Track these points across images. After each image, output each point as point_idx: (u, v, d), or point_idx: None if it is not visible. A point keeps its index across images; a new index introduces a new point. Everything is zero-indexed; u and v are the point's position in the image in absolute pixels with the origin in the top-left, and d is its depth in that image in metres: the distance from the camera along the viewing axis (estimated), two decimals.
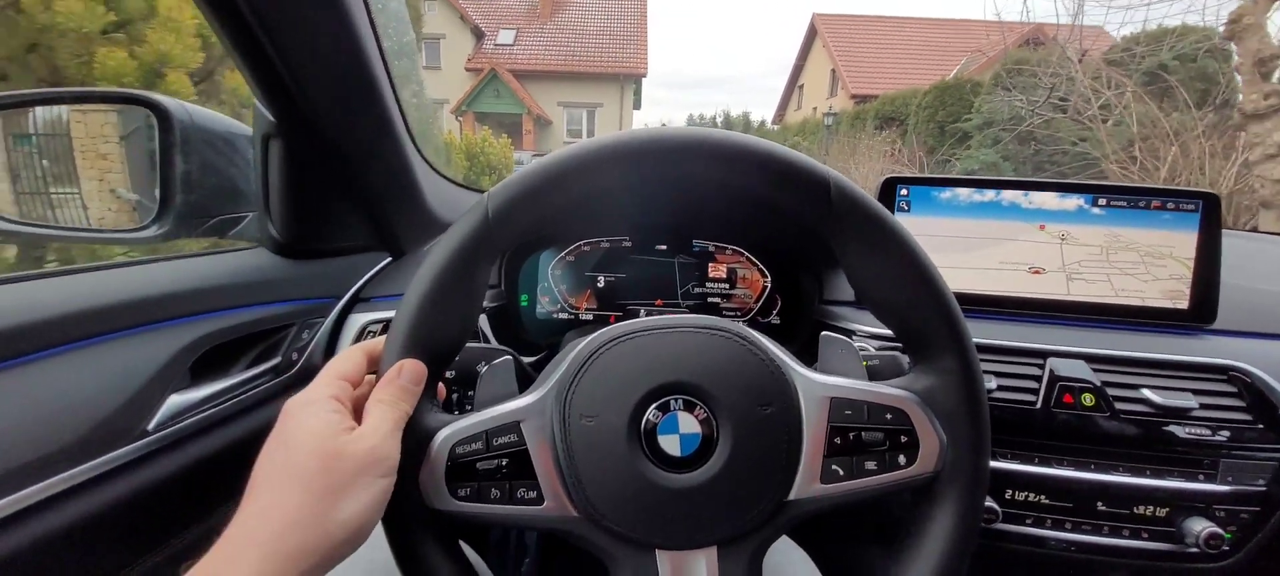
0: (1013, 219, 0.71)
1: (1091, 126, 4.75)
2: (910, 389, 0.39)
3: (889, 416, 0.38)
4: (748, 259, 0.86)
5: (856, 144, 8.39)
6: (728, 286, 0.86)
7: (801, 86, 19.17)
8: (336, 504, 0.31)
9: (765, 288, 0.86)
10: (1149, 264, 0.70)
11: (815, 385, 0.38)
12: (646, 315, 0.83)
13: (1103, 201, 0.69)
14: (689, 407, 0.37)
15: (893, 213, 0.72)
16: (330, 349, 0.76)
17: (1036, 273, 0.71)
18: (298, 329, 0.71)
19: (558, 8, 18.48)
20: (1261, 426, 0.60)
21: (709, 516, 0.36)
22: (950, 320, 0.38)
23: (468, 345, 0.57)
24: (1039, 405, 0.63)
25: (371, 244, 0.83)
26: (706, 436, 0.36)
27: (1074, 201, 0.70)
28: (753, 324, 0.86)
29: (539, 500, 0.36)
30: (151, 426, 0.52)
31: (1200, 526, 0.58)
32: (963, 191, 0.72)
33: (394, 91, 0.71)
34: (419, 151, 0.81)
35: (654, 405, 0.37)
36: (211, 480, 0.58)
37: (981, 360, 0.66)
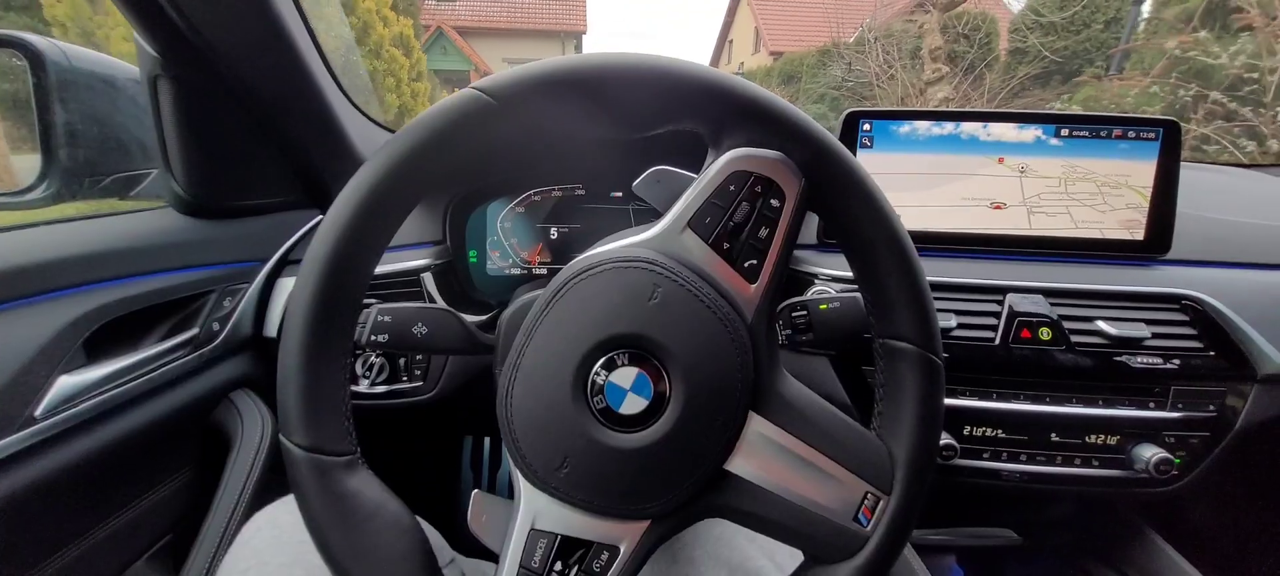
0: (972, 153, 0.69)
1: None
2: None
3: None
4: None
5: None
6: None
7: (731, 42, 20.24)
8: None
9: None
10: (1105, 193, 0.69)
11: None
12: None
13: (1064, 132, 0.67)
14: (637, 361, 0.33)
15: (856, 148, 0.70)
16: (259, 317, 0.70)
17: (998, 208, 0.69)
18: (217, 296, 0.65)
19: None
20: (1212, 353, 0.60)
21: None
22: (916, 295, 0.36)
23: (402, 305, 0.53)
24: (998, 341, 0.62)
25: (300, 200, 0.76)
26: (658, 392, 0.33)
27: (1032, 132, 0.68)
28: None
29: None
30: (39, 412, 0.46)
31: (1150, 452, 0.59)
32: (921, 125, 0.69)
33: (306, 23, 0.63)
34: (344, 92, 0.73)
35: (598, 363, 0.33)
36: (114, 474, 0.52)
37: (942, 298, 0.66)
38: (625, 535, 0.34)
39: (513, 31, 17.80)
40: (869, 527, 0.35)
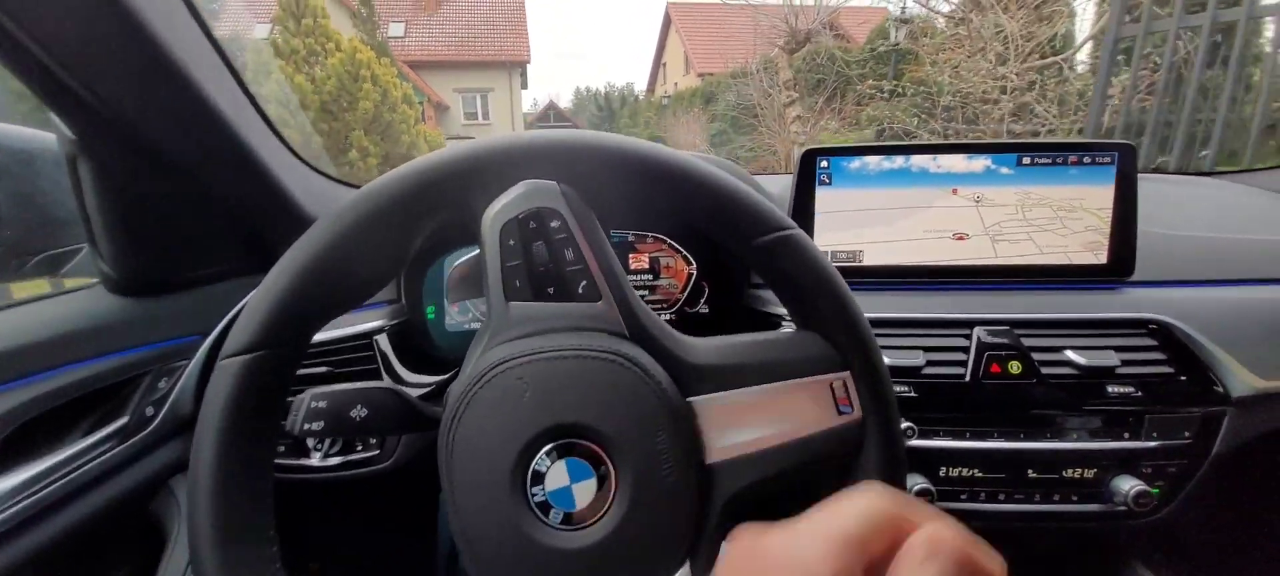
0: (926, 185, 0.68)
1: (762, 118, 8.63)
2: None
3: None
4: (671, 246, 0.80)
5: (678, 120, 11.71)
6: (651, 277, 0.80)
7: (665, 64, 22.19)
8: None
9: (691, 275, 0.81)
10: (1064, 217, 0.68)
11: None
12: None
13: (1026, 160, 0.67)
14: (563, 453, 0.32)
15: (815, 186, 0.69)
16: (201, 395, 0.66)
17: (960, 238, 0.68)
18: (152, 378, 0.61)
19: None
20: (1184, 378, 0.59)
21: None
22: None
23: (339, 389, 0.50)
24: (968, 377, 0.61)
25: (243, 266, 0.72)
26: (600, 471, 0.32)
27: (982, 162, 0.67)
28: (681, 315, 0.81)
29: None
30: None
31: (1128, 485, 0.58)
32: (872, 160, 0.68)
33: (239, 80, 0.60)
34: (286, 144, 0.70)
35: (541, 452, 0.32)
36: None
37: (910, 335, 0.64)
38: None
39: (460, 63, 18.89)
40: (854, 410, 0.35)
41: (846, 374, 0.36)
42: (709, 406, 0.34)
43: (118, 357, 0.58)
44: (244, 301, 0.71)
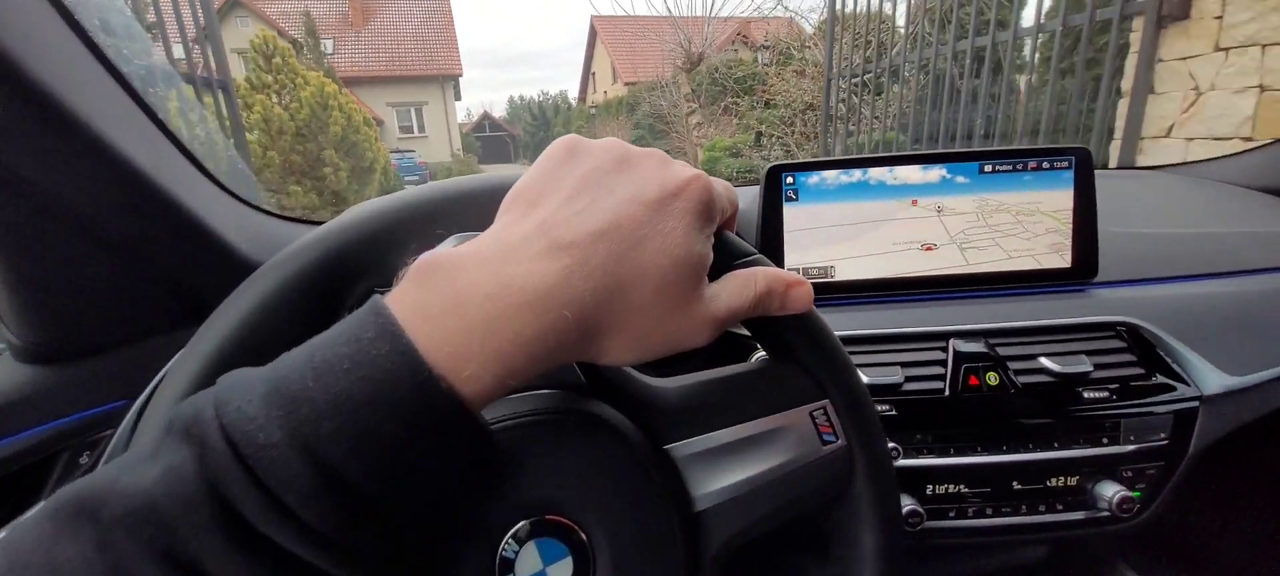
0: (886, 198, 0.67)
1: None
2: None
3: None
4: None
5: (605, 126, 13.19)
6: None
7: (594, 73, 23.71)
8: (649, 332, 0.25)
9: None
10: (1023, 221, 0.68)
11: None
12: None
13: (987, 167, 0.67)
14: (550, 529, 0.28)
15: (782, 202, 0.68)
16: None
17: (929, 249, 0.67)
18: (71, 455, 0.55)
19: (368, 15, 20.73)
20: (1153, 379, 0.59)
21: None
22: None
23: None
24: (948, 391, 0.60)
25: (172, 320, 0.66)
26: (574, 541, 0.29)
27: (937, 172, 0.67)
28: None
29: None
30: None
31: (1110, 491, 0.57)
32: (830, 175, 0.67)
33: (154, 117, 0.55)
34: (214, 180, 0.65)
35: (506, 537, 0.28)
36: None
37: (887, 350, 0.63)
38: None
39: (391, 78, 19.54)
40: (839, 438, 0.33)
41: (824, 402, 0.33)
42: (687, 451, 0.32)
43: (27, 436, 0.52)
44: (171, 363, 0.65)
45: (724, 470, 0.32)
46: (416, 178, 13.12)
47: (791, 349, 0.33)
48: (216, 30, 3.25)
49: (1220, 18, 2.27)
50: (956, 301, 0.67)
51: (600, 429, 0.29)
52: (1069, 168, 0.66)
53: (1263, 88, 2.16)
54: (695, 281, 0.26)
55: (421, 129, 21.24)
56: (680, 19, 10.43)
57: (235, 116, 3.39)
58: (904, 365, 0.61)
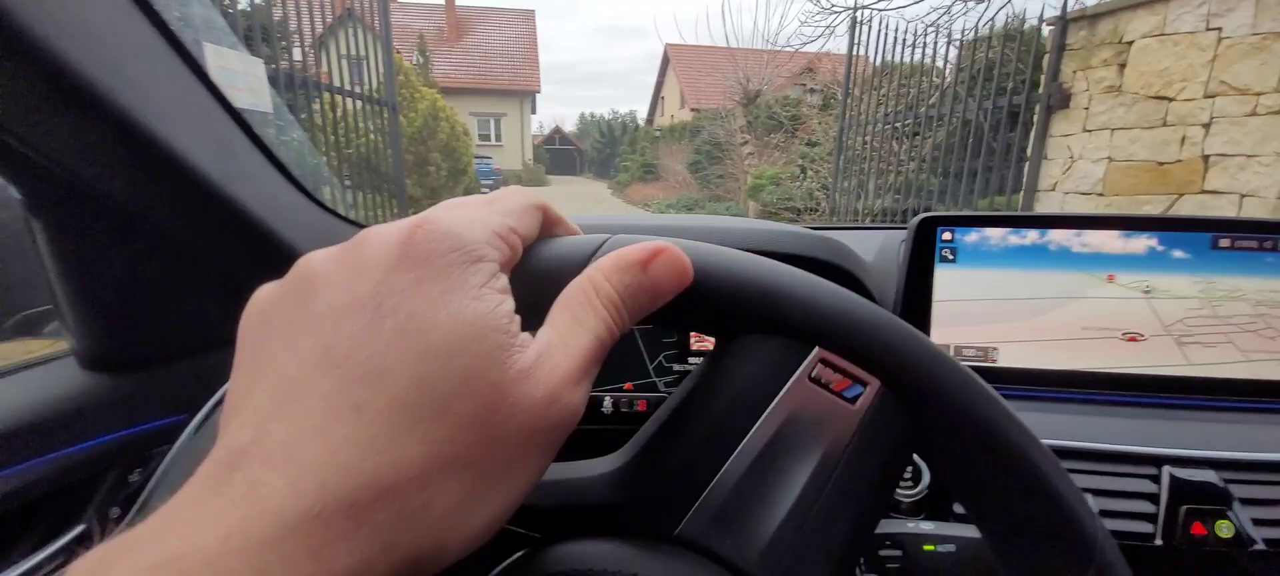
0: (1071, 268, 0.53)
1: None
2: None
3: None
4: None
5: (668, 149, 14.76)
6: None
7: (663, 98, 25.27)
8: (484, 491, 0.16)
9: None
10: (1269, 317, 0.52)
11: None
12: (611, 403, 0.64)
13: (1223, 242, 0.51)
14: None
15: (935, 260, 0.55)
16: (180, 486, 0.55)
17: (1132, 339, 0.53)
18: (119, 473, 0.51)
19: (462, 31, 22.72)
20: None
21: None
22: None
23: None
24: (1159, 538, 0.45)
25: (234, 331, 0.62)
26: None
27: (1143, 242, 0.52)
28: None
29: None
30: None
31: None
32: (994, 233, 0.54)
33: (226, 105, 0.50)
34: (283, 170, 0.60)
35: None
36: None
37: (1072, 470, 0.49)
38: None
39: (478, 89, 21.63)
40: (865, 384, 0.22)
41: (817, 351, 0.22)
42: (703, 520, 0.22)
43: (78, 450, 0.48)
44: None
45: (755, 516, 0.21)
46: (490, 183, 13.98)
47: (722, 320, 0.22)
48: (392, 69, 4.76)
49: (1087, 109, 3.44)
50: (1172, 413, 0.51)
51: None
52: None
53: (1110, 159, 3.35)
54: (489, 363, 0.16)
55: (498, 138, 23.14)
56: (740, 53, 10.91)
57: (396, 130, 4.93)
58: (1097, 493, 0.46)
